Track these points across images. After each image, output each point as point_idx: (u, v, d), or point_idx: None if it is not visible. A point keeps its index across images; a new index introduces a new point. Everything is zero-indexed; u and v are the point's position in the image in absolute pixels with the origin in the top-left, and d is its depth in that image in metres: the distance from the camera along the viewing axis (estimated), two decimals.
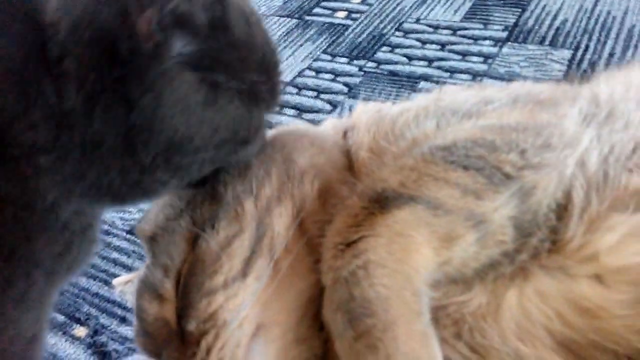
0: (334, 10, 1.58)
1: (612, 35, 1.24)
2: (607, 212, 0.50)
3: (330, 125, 0.75)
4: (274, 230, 0.58)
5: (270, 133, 0.65)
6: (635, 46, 1.20)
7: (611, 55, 1.18)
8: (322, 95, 1.24)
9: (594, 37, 1.24)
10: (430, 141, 0.57)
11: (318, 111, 1.20)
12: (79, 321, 0.89)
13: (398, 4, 1.54)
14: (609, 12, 1.32)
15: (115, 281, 0.77)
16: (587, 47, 1.22)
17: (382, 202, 0.51)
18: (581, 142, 0.52)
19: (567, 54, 1.21)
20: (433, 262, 0.49)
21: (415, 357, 0.44)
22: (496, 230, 0.50)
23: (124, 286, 0.75)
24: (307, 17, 1.56)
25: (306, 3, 1.64)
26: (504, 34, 1.32)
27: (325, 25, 1.51)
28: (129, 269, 0.96)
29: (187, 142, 0.48)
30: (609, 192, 0.50)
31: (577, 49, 1.22)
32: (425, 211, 0.50)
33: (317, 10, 1.60)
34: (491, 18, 1.39)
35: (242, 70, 0.50)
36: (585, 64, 1.17)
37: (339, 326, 0.47)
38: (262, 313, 0.55)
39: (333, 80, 1.29)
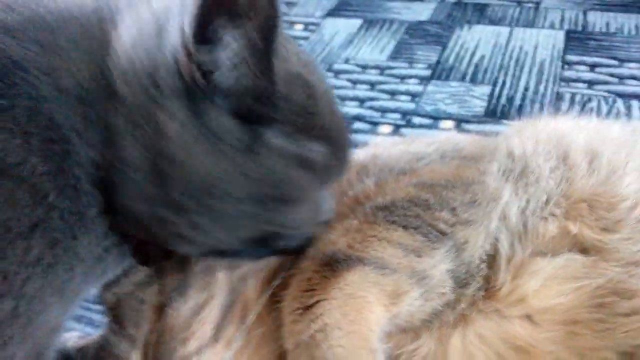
0: None
1: (526, 69, 1.35)
2: (530, 258, 0.56)
3: None
4: (247, 296, 0.61)
5: None
6: (547, 80, 1.31)
7: (526, 89, 1.29)
8: None
9: (510, 73, 1.35)
10: (371, 201, 0.62)
11: None
12: None
13: (327, 45, 1.60)
14: (521, 47, 1.44)
15: (72, 343, 0.77)
16: (504, 82, 1.32)
17: (333, 265, 0.55)
18: (502, 197, 0.59)
19: (486, 89, 1.31)
20: (384, 318, 0.54)
21: None
22: (437, 284, 0.55)
23: (80, 351, 0.75)
24: None
25: None
26: (428, 72, 1.40)
27: None
28: None
29: (218, 184, 0.48)
30: (530, 241, 0.57)
31: (494, 84, 1.32)
32: (373, 272, 0.54)
33: None
34: (415, 57, 1.48)
35: (297, 132, 0.51)
36: (503, 99, 1.27)
37: None
38: None
39: None
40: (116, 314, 0.64)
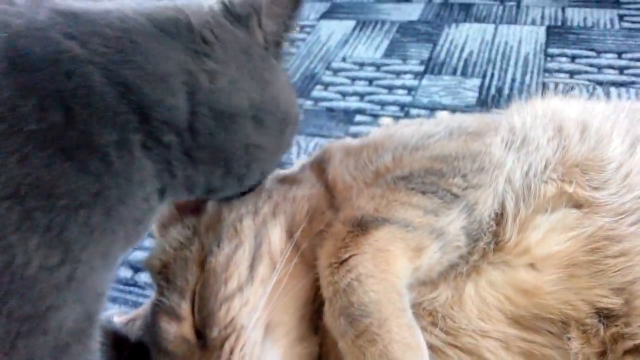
0: None
1: (512, 62, 1.45)
2: (533, 215, 0.65)
3: (305, 163, 0.88)
4: (270, 238, 0.69)
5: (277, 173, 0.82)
6: (532, 71, 1.42)
7: (513, 80, 1.39)
8: None
9: (497, 66, 1.45)
10: (391, 172, 0.71)
11: None
12: None
13: (323, 45, 1.69)
14: (506, 43, 1.54)
15: (116, 319, 0.85)
16: (492, 74, 1.42)
17: (362, 226, 0.63)
18: (506, 164, 0.68)
19: (476, 82, 1.41)
20: (409, 269, 0.62)
21: (406, 344, 0.56)
22: (452, 239, 0.64)
23: (126, 325, 0.83)
24: None
25: None
26: (422, 68, 1.50)
27: None
28: None
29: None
30: (532, 200, 0.65)
31: (484, 76, 1.42)
32: (398, 229, 0.63)
33: None
34: (408, 53, 1.57)
35: None
36: (493, 90, 1.37)
37: (341, 328, 0.58)
38: (270, 315, 0.66)
39: None
40: (164, 275, 0.72)
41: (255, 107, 0.65)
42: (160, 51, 0.57)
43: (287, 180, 0.81)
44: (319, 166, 0.84)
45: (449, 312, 0.64)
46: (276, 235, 0.71)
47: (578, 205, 0.64)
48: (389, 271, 0.61)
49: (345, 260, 0.61)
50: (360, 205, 0.66)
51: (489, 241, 0.65)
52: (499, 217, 0.66)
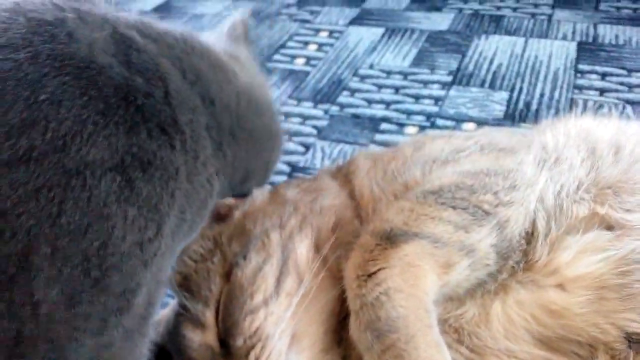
0: (293, 57, 1.73)
1: (541, 77, 1.45)
2: (563, 235, 0.65)
3: (326, 171, 0.88)
4: (296, 252, 0.70)
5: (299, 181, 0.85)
6: (561, 87, 1.40)
7: (542, 95, 1.38)
8: (293, 138, 1.37)
9: (526, 80, 1.44)
10: (420, 186, 0.71)
11: (292, 153, 1.32)
12: None
13: (351, 51, 1.70)
14: (536, 57, 1.53)
15: None
16: (520, 88, 1.42)
17: (391, 239, 0.64)
18: (539, 183, 0.68)
19: (504, 95, 1.40)
20: (437, 285, 0.62)
21: None
22: (482, 256, 0.64)
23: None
24: (268, 64, 1.69)
25: (265, 50, 1.77)
26: (449, 78, 1.50)
27: (287, 71, 1.65)
28: None
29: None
30: (564, 220, 0.65)
31: (512, 90, 1.42)
32: (428, 245, 0.63)
33: (276, 57, 1.73)
34: (436, 63, 1.57)
35: None
36: (521, 104, 1.36)
37: (367, 342, 0.59)
38: (295, 326, 0.67)
39: (302, 123, 1.42)
40: (186, 287, 0.72)
41: (269, 97, 0.84)
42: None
43: (311, 190, 0.81)
44: (345, 177, 0.84)
45: (475, 329, 0.64)
46: (303, 248, 0.71)
47: (610, 227, 0.64)
48: (417, 286, 0.61)
49: (374, 273, 0.62)
50: (389, 218, 0.66)
51: (519, 260, 0.65)
52: (530, 236, 0.66)
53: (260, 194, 0.81)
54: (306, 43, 1.79)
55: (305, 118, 1.44)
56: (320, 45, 1.76)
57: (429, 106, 1.40)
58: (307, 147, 1.34)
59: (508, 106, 1.36)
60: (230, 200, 0.78)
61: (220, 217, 0.78)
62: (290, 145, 1.34)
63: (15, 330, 0.43)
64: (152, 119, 0.52)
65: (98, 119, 0.47)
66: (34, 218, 0.42)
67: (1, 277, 0.41)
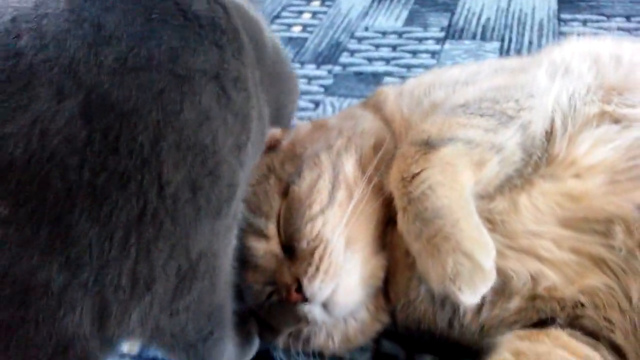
0: (289, 25, 1.80)
1: (527, 27, 1.55)
2: (578, 132, 0.74)
3: (354, 106, 0.97)
4: (345, 169, 0.79)
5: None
6: (547, 35, 1.51)
7: (530, 43, 1.48)
8: (303, 97, 1.45)
9: (514, 30, 1.54)
10: (448, 102, 0.80)
11: (303, 109, 1.40)
12: None
13: (345, 17, 1.78)
14: (521, 10, 1.63)
15: None
16: (510, 38, 1.52)
17: (429, 144, 0.72)
18: (553, 90, 0.77)
19: (496, 45, 1.50)
20: (472, 180, 0.71)
21: (476, 240, 0.65)
22: (510, 153, 0.73)
23: None
24: None
25: None
26: (442, 34, 1.59)
27: (286, 39, 1.72)
28: None
29: None
30: (578, 119, 0.75)
31: (502, 40, 1.52)
32: (462, 146, 0.72)
33: (273, 27, 1.80)
34: (428, 22, 1.66)
35: None
36: (512, 52, 1.46)
37: (417, 231, 0.67)
38: (349, 232, 0.76)
39: (308, 83, 1.50)
40: (249, 207, 0.80)
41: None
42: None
43: (349, 117, 0.90)
44: (374, 106, 0.93)
45: (506, 219, 0.73)
46: (350, 166, 0.80)
47: (617, 121, 0.74)
48: (456, 181, 0.70)
49: (417, 173, 0.70)
50: (425, 129, 0.75)
51: (541, 156, 0.75)
52: (549, 135, 0.75)
53: (303, 125, 0.90)
54: (300, 12, 1.86)
55: (310, 79, 1.52)
56: (314, 14, 1.84)
57: (426, 60, 1.50)
58: (316, 103, 1.42)
59: (500, 54, 1.46)
60: (276, 131, 0.86)
61: (268, 148, 0.86)
62: (301, 103, 1.42)
63: (141, 208, 0.50)
64: (234, 43, 0.61)
65: (196, 37, 0.56)
66: (162, 113, 0.50)
67: (136, 160, 0.49)
